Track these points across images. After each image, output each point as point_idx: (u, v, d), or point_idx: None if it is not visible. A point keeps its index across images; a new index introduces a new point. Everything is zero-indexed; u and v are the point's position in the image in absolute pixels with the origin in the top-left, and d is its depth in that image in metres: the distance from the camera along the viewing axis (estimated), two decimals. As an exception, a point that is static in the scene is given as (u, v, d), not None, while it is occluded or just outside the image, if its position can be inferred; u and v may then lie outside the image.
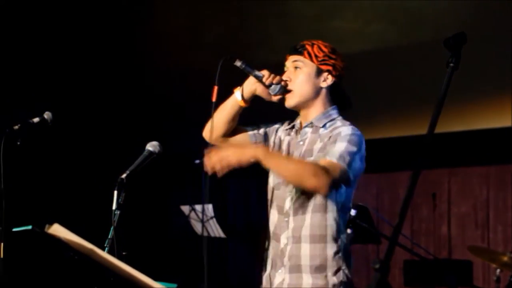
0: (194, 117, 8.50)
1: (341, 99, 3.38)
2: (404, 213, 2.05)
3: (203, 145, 3.27)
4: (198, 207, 7.29)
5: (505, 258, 5.96)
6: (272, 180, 3.37)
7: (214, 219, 7.29)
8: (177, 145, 8.18)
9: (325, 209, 3.18)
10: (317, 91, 3.30)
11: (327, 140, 3.20)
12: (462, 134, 7.18)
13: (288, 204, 3.25)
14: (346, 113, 3.39)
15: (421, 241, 7.53)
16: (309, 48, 3.30)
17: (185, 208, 7.41)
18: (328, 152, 3.13)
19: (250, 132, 3.43)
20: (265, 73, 3.28)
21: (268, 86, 3.28)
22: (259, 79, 3.28)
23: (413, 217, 7.52)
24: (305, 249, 3.18)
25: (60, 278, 2.71)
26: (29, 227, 2.67)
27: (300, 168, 3.08)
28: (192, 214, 7.35)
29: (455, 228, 7.51)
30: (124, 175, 3.26)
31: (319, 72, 3.29)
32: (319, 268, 3.16)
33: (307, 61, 3.29)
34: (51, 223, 2.71)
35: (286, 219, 3.25)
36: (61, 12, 7.92)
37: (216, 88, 3.21)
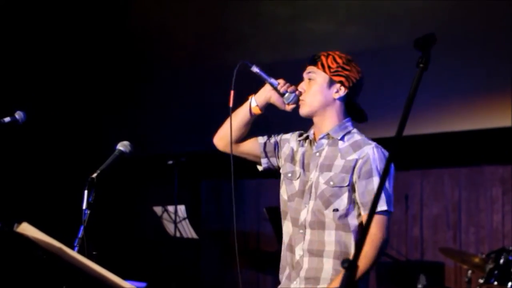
0: (167, 118, 8.50)
1: (356, 112, 3.40)
2: (373, 213, 2.07)
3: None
4: (170, 208, 7.27)
5: (477, 260, 6.00)
6: (285, 191, 3.38)
7: (187, 220, 7.27)
8: (151, 146, 8.16)
9: (349, 229, 3.21)
10: (329, 102, 3.30)
11: (358, 172, 3.21)
12: (434, 136, 7.20)
13: (303, 216, 3.26)
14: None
15: (393, 242, 7.56)
16: (323, 59, 3.30)
17: (158, 209, 7.39)
18: (366, 195, 3.20)
19: (261, 141, 3.44)
20: (280, 81, 3.31)
21: (282, 95, 3.30)
22: (274, 86, 3.30)
23: (385, 219, 7.51)
24: (328, 263, 3.20)
25: (28, 277, 2.69)
26: (-3, 225, 2.65)
27: (374, 256, 3.12)
28: (165, 215, 7.32)
29: (427, 229, 7.54)
30: (94, 175, 3.26)
31: (331, 83, 3.29)
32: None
33: (320, 71, 3.29)
34: (20, 222, 2.70)
35: (302, 231, 3.26)
36: (31, 7, 7.90)
37: (232, 92, 3.24)
